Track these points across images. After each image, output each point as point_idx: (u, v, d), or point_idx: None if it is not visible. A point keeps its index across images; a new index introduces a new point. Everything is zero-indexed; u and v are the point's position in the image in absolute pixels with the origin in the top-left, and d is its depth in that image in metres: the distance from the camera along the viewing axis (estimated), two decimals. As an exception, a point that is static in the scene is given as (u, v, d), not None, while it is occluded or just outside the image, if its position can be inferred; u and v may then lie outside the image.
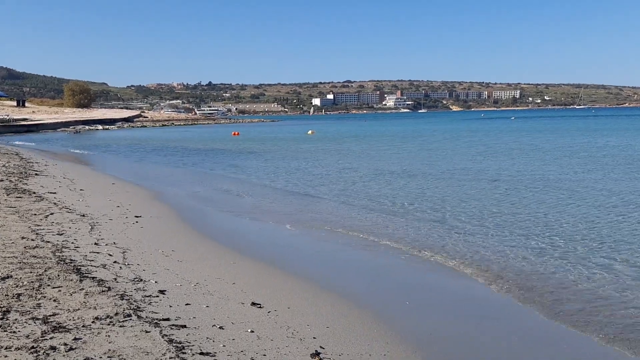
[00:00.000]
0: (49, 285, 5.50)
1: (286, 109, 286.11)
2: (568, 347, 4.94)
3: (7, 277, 5.63)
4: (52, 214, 9.58)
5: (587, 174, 17.34)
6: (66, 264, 6.36)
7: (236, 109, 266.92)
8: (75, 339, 4.26)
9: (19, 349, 4.01)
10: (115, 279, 5.99)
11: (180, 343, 4.37)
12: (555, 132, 49.08)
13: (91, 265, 6.43)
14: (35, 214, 9.37)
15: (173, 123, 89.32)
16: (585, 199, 12.61)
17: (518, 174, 17.90)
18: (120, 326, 4.58)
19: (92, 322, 4.63)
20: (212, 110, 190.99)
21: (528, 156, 24.86)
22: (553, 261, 7.54)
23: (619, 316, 5.57)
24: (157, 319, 4.84)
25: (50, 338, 4.24)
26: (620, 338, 5.05)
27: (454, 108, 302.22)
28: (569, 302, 5.99)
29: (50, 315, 4.70)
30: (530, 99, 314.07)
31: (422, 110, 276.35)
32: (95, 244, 7.63)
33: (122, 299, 5.26)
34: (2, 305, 4.85)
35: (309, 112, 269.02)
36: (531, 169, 19.46)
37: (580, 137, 40.21)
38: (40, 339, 4.21)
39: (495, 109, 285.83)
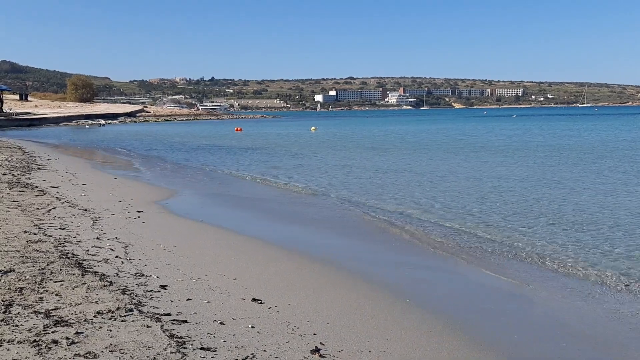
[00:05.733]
0: (51, 279, 5.53)
1: (288, 105, 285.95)
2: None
3: (10, 271, 5.67)
4: (54, 208, 9.61)
5: None
6: (68, 258, 6.39)
7: (238, 104, 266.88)
8: (77, 333, 4.29)
9: (21, 343, 4.04)
10: (117, 273, 6.02)
11: (181, 338, 4.39)
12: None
13: (93, 260, 6.46)
14: (37, 208, 9.40)
15: (175, 118, 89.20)
16: None
17: None
18: (122, 321, 4.61)
19: (94, 316, 4.66)
20: (215, 105, 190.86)
21: None
22: None
23: None
24: (158, 314, 4.87)
25: (52, 332, 4.27)
26: None
27: (457, 105, 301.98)
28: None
29: (52, 310, 4.73)
30: (533, 97, 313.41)
31: (425, 108, 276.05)
32: (97, 238, 7.66)
33: (124, 294, 5.29)
34: (4, 299, 4.88)
35: (316, 109, 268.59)
36: None
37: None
38: (42, 332, 4.24)
39: (498, 106, 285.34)
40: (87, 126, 58.59)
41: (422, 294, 6.31)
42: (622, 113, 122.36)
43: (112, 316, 4.68)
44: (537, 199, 12.75)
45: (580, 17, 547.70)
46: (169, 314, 4.91)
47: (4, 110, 57.39)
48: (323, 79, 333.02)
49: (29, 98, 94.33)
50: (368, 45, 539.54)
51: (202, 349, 4.24)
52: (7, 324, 4.34)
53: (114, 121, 71.03)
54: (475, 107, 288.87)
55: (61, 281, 5.50)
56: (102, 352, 4.02)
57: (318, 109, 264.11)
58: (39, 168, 16.38)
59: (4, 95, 59.80)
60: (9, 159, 18.28)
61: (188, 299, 5.40)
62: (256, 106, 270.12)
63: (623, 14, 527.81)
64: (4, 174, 13.74)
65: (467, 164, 21.20)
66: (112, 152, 27.27)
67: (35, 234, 7.45)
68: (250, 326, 4.83)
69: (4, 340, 4.05)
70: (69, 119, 62.95)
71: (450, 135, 44.34)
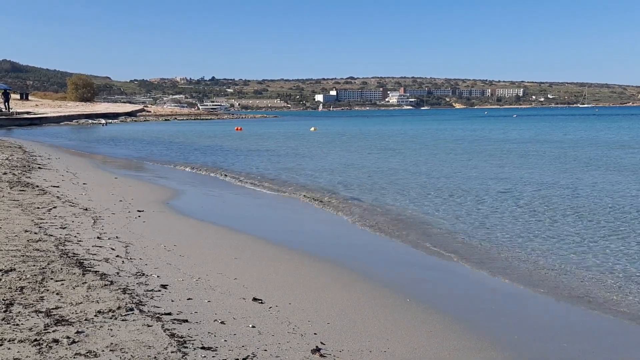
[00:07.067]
0: (52, 278, 5.54)
1: (289, 105, 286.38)
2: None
3: (11, 270, 5.67)
4: (55, 207, 9.61)
5: None
6: (69, 257, 6.39)
7: (239, 104, 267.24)
8: (77, 332, 4.29)
9: (22, 342, 4.04)
10: (117, 273, 6.02)
11: (182, 337, 4.39)
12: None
13: (94, 259, 6.46)
14: (38, 208, 9.40)
15: (176, 118, 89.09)
16: None
17: None
18: (123, 320, 4.61)
19: (95, 315, 4.66)
20: (215, 105, 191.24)
21: None
22: None
23: None
24: (159, 314, 4.87)
25: (53, 331, 4.27)
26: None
27: (457, 105, 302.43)
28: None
29: (53, 309, 4.74)
30: (534, 97, 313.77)
31: (425, 108, 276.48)
32: (98, 237, 7.66)
33: (125, 293, 5.29)
34: (5, 298, 4.88)
35: (317, 109, 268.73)
36: None
37: None
38: (43, 332, 4.24)
39: (499, 106, 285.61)
40: (88, 125, 58.68)
41: (423, 294, 6.31)
42: (625, 113, 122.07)
43: (112, 315, 4.69)
44: (550, 200, 12.76)
45: (580, 17, 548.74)
46: (169, 314, 4.91)
47: (10, 109, 57.30)
48: (323, 79, 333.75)
49: (29, 97, 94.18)
50: (368, 45, 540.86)
51: (202, 348, 4.24)
52: (7, 323, 4.35)
53: (115, 120, 71.01)
54: (475, 107, 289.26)
55: (62, 280, 5.50)
56: (103, 351, 4.02)
57: (320, 109, 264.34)
58: (39, 167, 16.38)
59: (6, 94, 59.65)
60: (10, 158, 18.29)
61: (189, 299, 5.40)
62: (257, 106, 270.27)
63: (623, 14, 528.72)
64: (5, 173, 13.74)
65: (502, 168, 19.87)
66: (115, 153, 27.27)
67: (35, 233, 7.45)
68: (251, 326, 4.83)
69: (5, 340, 4.05)
70: (69, 118, 62.88)
71: (462, 135, 43.91)
